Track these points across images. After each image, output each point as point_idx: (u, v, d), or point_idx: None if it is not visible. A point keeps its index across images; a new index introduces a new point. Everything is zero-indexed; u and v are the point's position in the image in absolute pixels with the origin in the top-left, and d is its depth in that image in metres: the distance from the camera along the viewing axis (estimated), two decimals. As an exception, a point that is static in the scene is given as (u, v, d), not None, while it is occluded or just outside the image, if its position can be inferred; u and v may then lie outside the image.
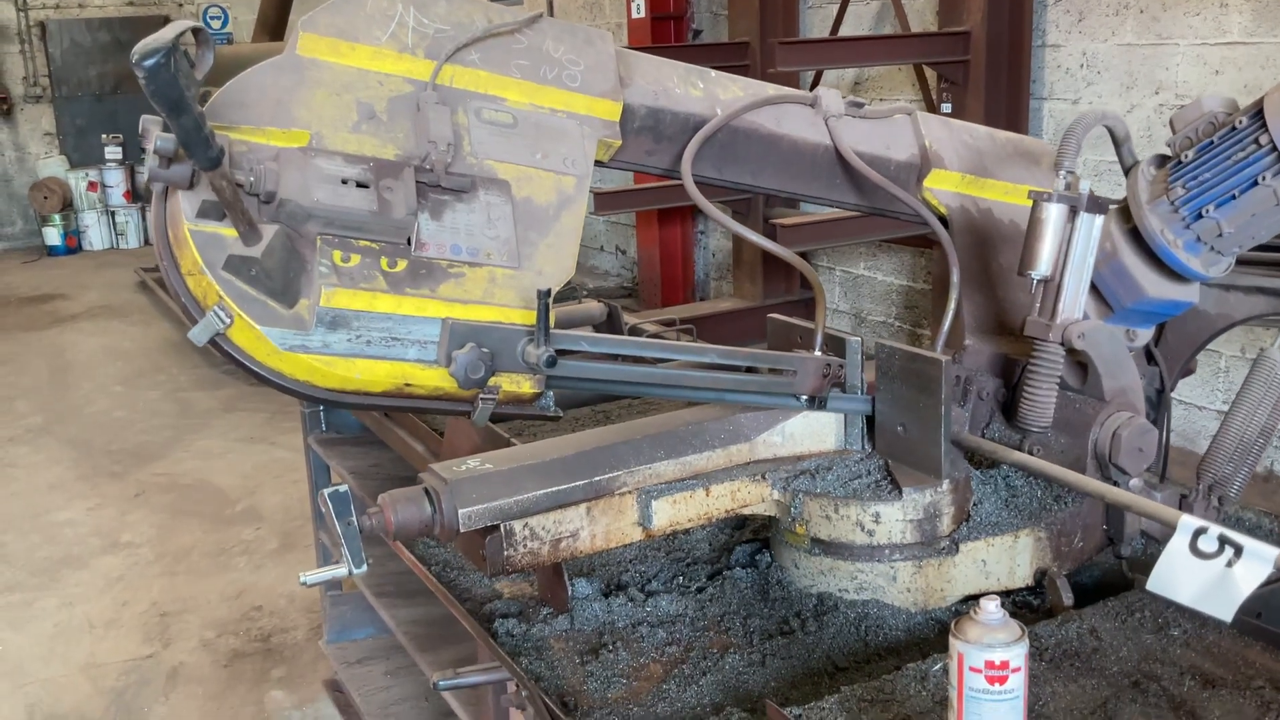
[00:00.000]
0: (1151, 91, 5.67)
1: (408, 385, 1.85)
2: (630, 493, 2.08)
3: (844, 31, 7.20)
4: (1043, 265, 2.14)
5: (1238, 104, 2.13)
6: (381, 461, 3.75)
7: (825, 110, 2.38)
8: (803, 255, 7.70)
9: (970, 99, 6.17)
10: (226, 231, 1.73)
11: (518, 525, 1.97)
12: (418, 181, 1.86)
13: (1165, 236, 2.18)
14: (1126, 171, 2.29)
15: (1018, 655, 1.58)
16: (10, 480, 6.76)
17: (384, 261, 1.81)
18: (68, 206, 14.05)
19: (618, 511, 2.07)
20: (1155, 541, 2.31)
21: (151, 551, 5.70)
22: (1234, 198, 2.09)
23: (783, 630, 2.16)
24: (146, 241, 14.12)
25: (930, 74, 6.67)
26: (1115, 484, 2.19)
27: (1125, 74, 5.79)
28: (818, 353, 2.21)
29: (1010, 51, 6.13)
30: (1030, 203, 2.16)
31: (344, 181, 1.81)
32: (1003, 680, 1.58)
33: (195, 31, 1.64)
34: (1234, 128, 2.08)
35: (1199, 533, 1.65)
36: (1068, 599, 2.16)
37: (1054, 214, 2.12)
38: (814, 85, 7.07)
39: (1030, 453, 2.22)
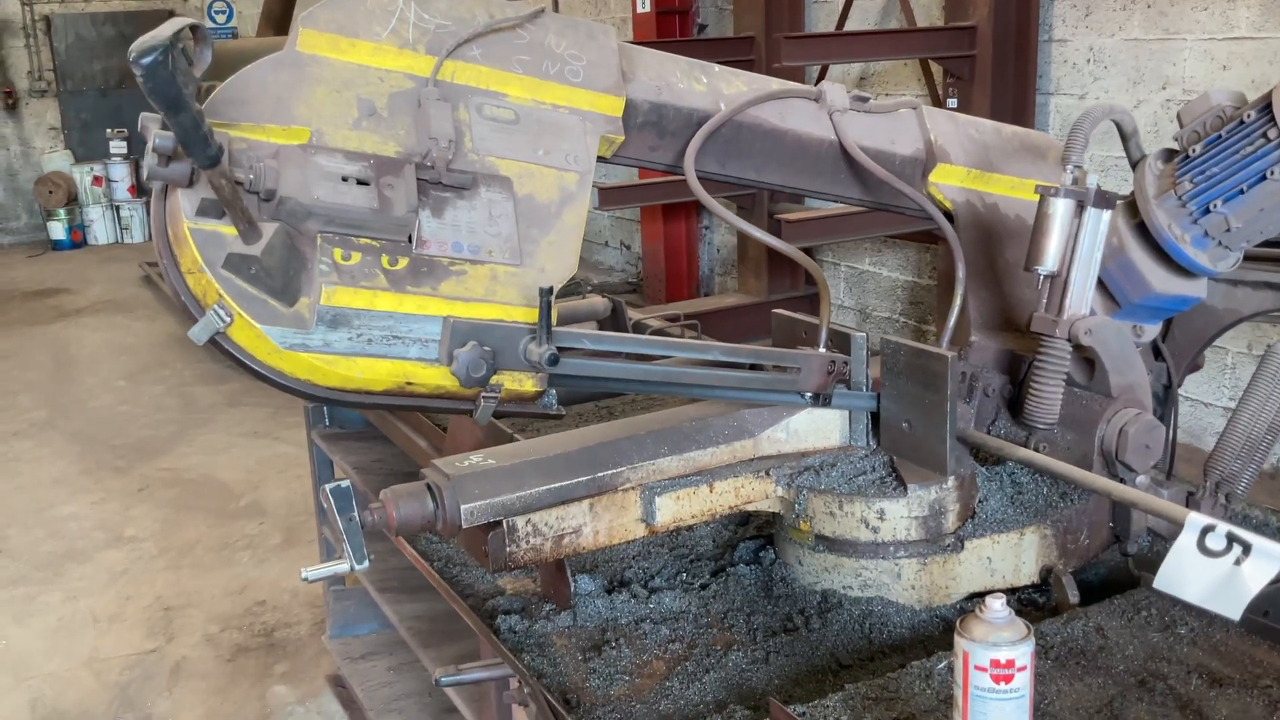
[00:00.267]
0: (1158, 87, 5.65)
1: (409, 384, 1.84)
2: (633, 489, 2.07)
3: (849, 26, 7.18)
4: (1049, 261, 2.12)
5: (1246, 98, 2.12)
6: (385, 456, 3.75)
7: (830, 105, 2.37)
8: (807, 251, 7.70)
9: (976, 94, 6.16)
10: (226, 229, 1.72)
11: (520, 521, 1.96)
12: (419, 179, 1.85)
13: (1173, 231, 2.17)
14: (1134, 166, 2.27)
15: (1024, 654, 1.57)
16: (14, 474, 6.76)
17: (385, 259, 1.80)
18: (72, 201, 14.04)
19: (621, 507, 2.06)
20: (1162, 539, 2.30)
21: (155, 546, 5.70)
22: (1242, 192, 2.08)
23: (786, 627, 2.16)
24: (151, 236, 14.07)
25: (936, 69, 6.65)
26: (1122, 481, 2.18)
27: (1132, 69, 5.76)
28: (822, 349, 2.20)
29: (1016, 46, 6.12)
30: (1036, 197, 2.14)
31: (344, 179, 1.79)
32: (1008, 679, 1.57)
33: (194, 28, 1.62)
34: (1242, 121, 2.06)
35: (1207, 530, 1.64)
36: (1073, 597, 2.15)
37: (1061, 209, 2.10)
38: (819, 80, 7.06)
39: (1036, 449, 2.21)
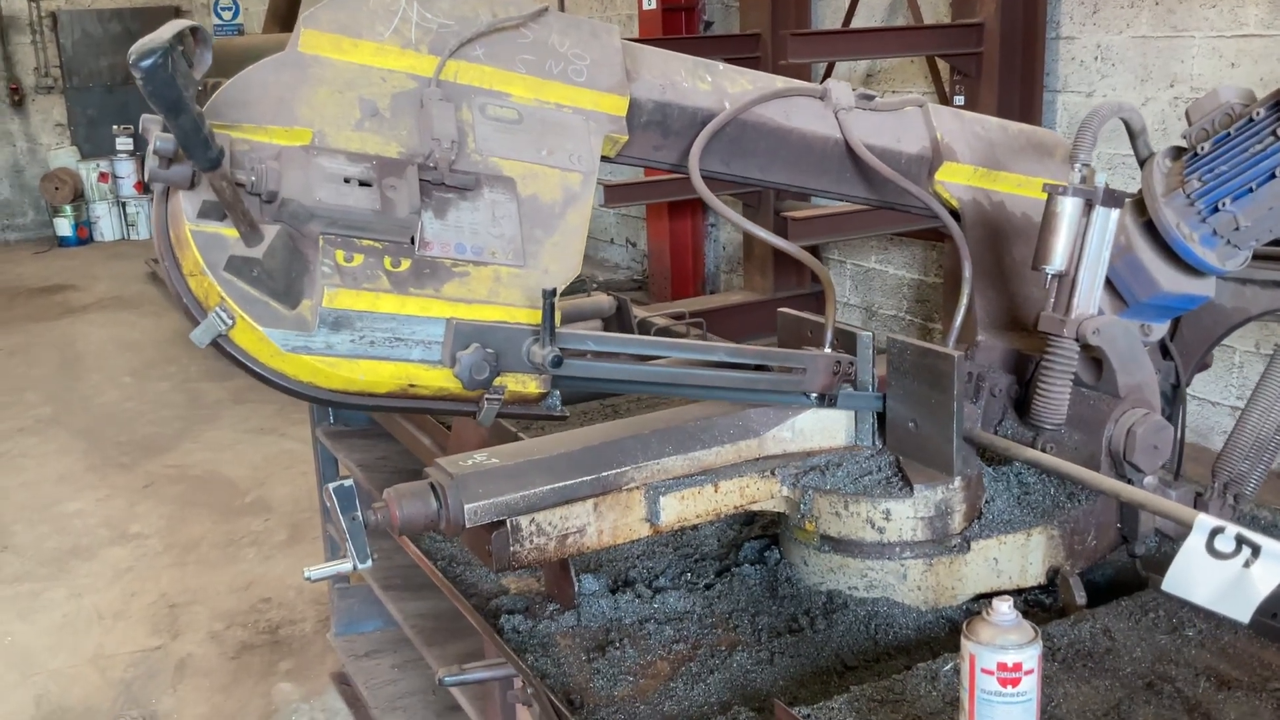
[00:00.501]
0: (1166, 84, 5.63)
1: (412, 386, 1.83)
2: (638, 488, 2.06)
3: (856, 23, 7.16)
4: (1057, 260, 2.11)
5: (1255, 95, 2.10)
6: (389, 454, 3.75)
7: (835, 103, 2.35)
8: (814, 249, 7.68)
9: (983, 91, 6.13)
10: (228, 232, 1.71)
11: (524, 521, 1.95)
12: (421, 180, 1.84)
13: (1181, 230, 2.15)
14: (1141, 164, 2.26)
15: (1031, 657, 1.56)
16: (20, 471, 6.77)
17: (387, 261, 1.79)
18: (79, 197, 14.07)
19: (625, 507, 2.05)
20: (1169, 540, 2.29)
21: (160, 543, 5.71)
22: (1251, 190, 2.06)
23: (791, 628, 2.15)
24: (157, 232, 14.10)
25: (943, 66, 6.63)
26: (1129, 482, 2.17)
27: (1140, 66, 5.74)
28: (828, 349, 2.19)
29: (1024, 44, 6.09)
30: (1043, 195, 2.13)
31: (347, 180, 1.78)
32: (1015, 683, 1.56)
33: (193, 30, 1.61)
34: (1251, 119, 2.05)
35: (1216, 532, 1.63)
36: (1081, 598, 2.13)
37: (1069, 208, 2.09)
38: (825, 77, 7.05)
39: (1043, 450, 2.20)
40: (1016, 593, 2.19)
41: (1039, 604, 2.21)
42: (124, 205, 14.30)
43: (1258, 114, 2.03)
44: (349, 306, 1.74)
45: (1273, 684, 1.83)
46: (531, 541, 1.96)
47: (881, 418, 2.24)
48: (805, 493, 2.16)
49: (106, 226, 14.24)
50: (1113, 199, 2.09)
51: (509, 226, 1.90)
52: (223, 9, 15.12)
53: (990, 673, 1.56)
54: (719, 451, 2.16)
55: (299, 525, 5.79)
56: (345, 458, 3.84)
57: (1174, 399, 2.44)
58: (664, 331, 3.36)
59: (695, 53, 2.34)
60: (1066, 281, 2.13)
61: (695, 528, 2.46)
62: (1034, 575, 2.20)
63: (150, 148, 1.64)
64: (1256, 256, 2.25)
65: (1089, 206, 2.09)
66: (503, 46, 2.00)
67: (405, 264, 1.80)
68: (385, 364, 1.79)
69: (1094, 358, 2.22)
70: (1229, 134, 2.08)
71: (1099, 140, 2.16)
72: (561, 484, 1.98)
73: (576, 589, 2.23)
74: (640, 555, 2.43)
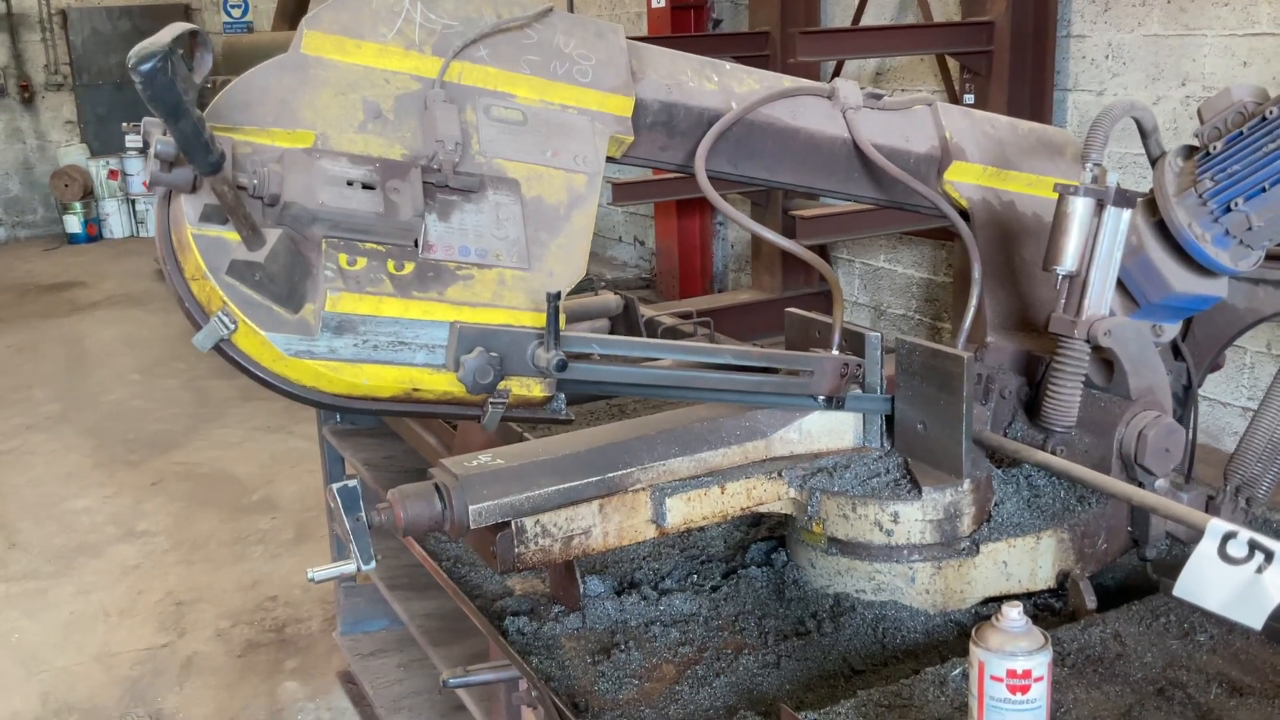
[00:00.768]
0: (1178, 83, 5.59)
1: (416, 390, 1.81)
2: (644, 489, 2.05)
3: (866, 21, 7.13)
4: (1068, 260, 2.09)
5: (1268, 93, 2.08)
6: (395, 453, 3.74)
7: (843, 102, 2.34)
8: (822, 248, 7.64)
9: (994, 90, 6.10)
10: (230, 235, 1.70)
11: (529, 522, 1.94)
12: (425, 182, 1.83)
13: (1193, 230, 2.13)
14: (1153, 163, 2.24)
15: (1040, 664, 1.55)
16: (27, 468, 6.78)
17: (391, 264, 1.77)
18: (88, 194, 14.09)
19: (631, 508, 2.04)
20: (1181, 543, 2.27)
21: (167, 540, 5.71)
22: (1264, 190, 2.04)
23: (798, 631, 2.13)
24: (166, 230, 14.12)
25: (953, 65, 6.60)
26: (1140, 485, 2.15)
27: (1151, 65, 5.71)
28: (835, 351, 2.17)
29: (1034, 42, 6.06)
30: (1054, 195, 2.11)
31: (349, 183, 1.77)
32: (1025, 690, 1.54)
33: (193, 34, 1.60)
34: (1264, 118, 2.03)
35: (1228, 537, 1.61)
36: (1090, 602, 2.11)
37: (1080, 208, 2.07)
38: (834, 76, 7.03)
39: (1054, 452, 2.18)
40: (1026, 596, 2.17)
41: (1048, 608, 2.19)
42: (133, 203, 14.32)
43: (1271, 113, 2.01)
44: (352, 310, 1.73)
45: (1285, 690, 1.82)
46: (536, 543, 1.95)
47: (890, 419, 2.23)
48: (812, 495, 2.15)
49: (116, 224, 14.26)
50: (1124, 199, 2.07)
51: (513, 229, 1.88)
52: (232, 6, 15.13)
53: (999, 680, 1.55)
54: (725, 453, 2.14)
55: (306, 524, 5.79)
56: (352, 456, 3.84)
57: (1185, 400, 2.42)
58: (671, 331, 3.34)
59: (704, 51, 2.33)
60: (1078, 282, 2.11)
61: (701, 530, 2.44)
62: (1043, 579, 2.18)
63: (151, 151, 1.63)
64: (1269, 256, 2.23)
65: (1100, 206, 2.07)
66: (507, 47, 1.99)
67: (409, 267, 1.79)
68: (389, 368, 1.78)
69: (1105, 359, 2.20)
70: (1241, 133, 2.06)
71: (1110, 139, 2.14)
72: (567, 485, 1.97)
73: (582, 591, 2.22)
74: (646, 557, 2.41)
